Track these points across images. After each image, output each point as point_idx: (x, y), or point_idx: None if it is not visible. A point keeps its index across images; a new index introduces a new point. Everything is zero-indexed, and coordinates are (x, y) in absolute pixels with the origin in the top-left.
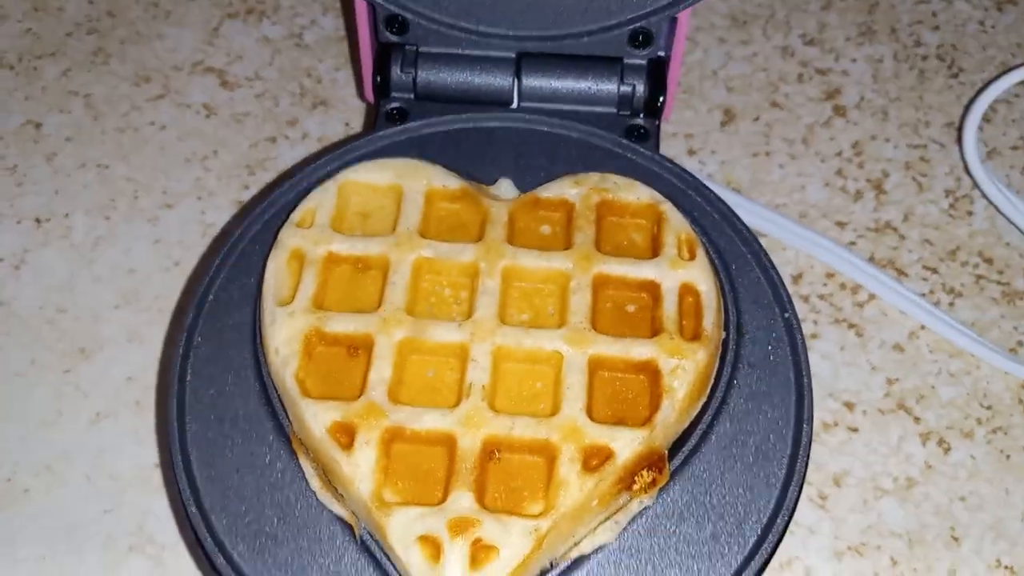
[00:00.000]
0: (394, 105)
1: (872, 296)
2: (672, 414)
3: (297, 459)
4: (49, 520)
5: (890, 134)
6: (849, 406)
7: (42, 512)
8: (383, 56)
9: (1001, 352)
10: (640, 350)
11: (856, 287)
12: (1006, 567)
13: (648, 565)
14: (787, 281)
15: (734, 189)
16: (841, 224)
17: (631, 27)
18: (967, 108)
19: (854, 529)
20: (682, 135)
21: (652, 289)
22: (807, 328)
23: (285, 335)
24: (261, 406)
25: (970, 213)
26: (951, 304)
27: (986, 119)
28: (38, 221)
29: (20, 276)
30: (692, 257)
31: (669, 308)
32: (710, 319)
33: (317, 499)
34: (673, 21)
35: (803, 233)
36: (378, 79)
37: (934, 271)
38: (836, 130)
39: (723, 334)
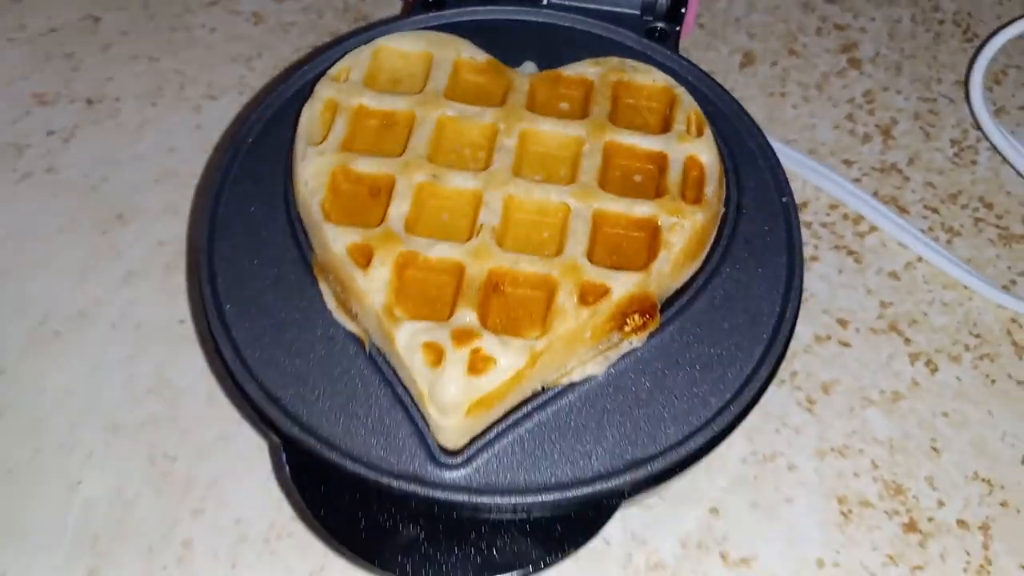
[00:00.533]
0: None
1: (873, 228)
2: (667, 266)
3: (317, 284)
4: (76, 360)
5: (902, 87)
6: (843, 323)
7: (70, 353)
8: None
9: (994, 286)
10: (642, 208)
11: (858, 218)
12: (983, 479)
13: (632, 398)
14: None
15: None
16: (848, 162)
17: None
18: (974, 56)
19: (839, 433)
20: None
21: (659, 160)
22: (808, 251)
23: (314, 169)
24: (288, 238)
25: (974, 162)
26: (949, 242)
27: (996, 81)
28: (89, 102)
29: (69, 148)
30: (700, 134)
31: (673, 176)
32: (711, 188)
33: (332, 317)
34: None
35: (811, 164)
36: None
37: (935, 211)
38: (850, 79)
39: (723, 207)
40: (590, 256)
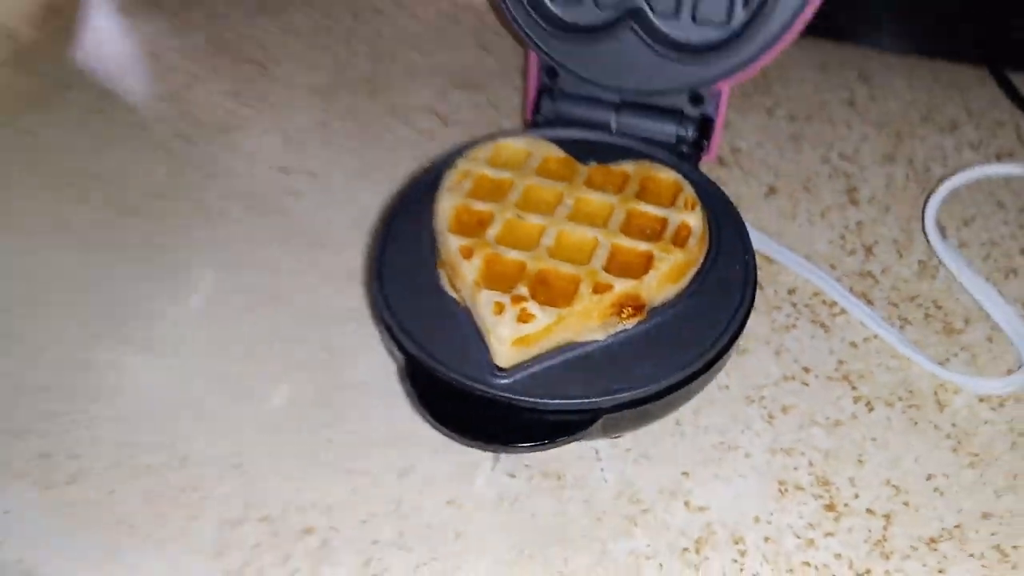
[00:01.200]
0: (539, 119)
1: (843, 311)
2: (653, 280)
3: (439, 272)
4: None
5: (887, 221)
6: (806, 370)
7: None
8: (540, 92)
9: (931, 361)
10: (644, 245)
11: (833, 303)
12: (893, 485)
13: (620, 355)
14: (783, 292)
15: (760, 230)
16: (833, 266)
17: (689, 91)
18: (926, 200)
19: (788, 440)
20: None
21: (662, 222)
22: (789, 321)
23: (447, 204)
24: (426, 245)
25: (933, 277)
26: (902, 327)
27: (964, 221)
28: (313, 175)
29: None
30: (692, 209)
31: (669, 231)
32: (693, 241)
33: (445, 289)
34: (715, 93)
35: (804, 264)
36: (534, 106)
37: (895, 305)
38: (847, 212)
39: (703, 256)
40: (605, 268)
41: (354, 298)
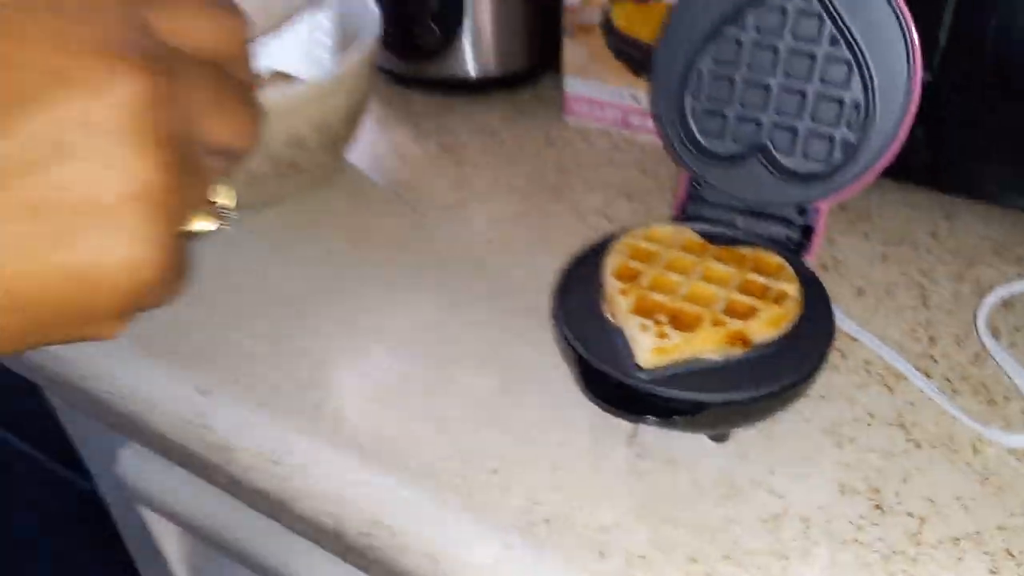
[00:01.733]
0: (684, 216)
1: (906, 379)
2: (756, 323)
3: (603, 308)
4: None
5: (951, 323)
6: (871, 415)
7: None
8: (687, 198)
9: (972, 419)
10: (752, 300)
11: (899, 373)
12: (929, 499)
13: (733, 370)
14: (860, 362)
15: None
16: (902, 348)
17: (796, 203)
18: (977, 306)
19: (851, 458)
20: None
21: (767, 288)
22: (862, 382)
23: (612, 261)
24: (595, 287)
25: (983, 366)
26: (952, 397)
27: (1011, 325)
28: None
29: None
30: (790, 281)
31: (772, 293)
32: (789, 301)
33: (607, 318)
34: (816, 209)
35: (878, 343)
36: (682, 206)
37: (949, 381)
38: (919, 313)
39: (795, 313)
40: (723, 311)
41: (534, 329)
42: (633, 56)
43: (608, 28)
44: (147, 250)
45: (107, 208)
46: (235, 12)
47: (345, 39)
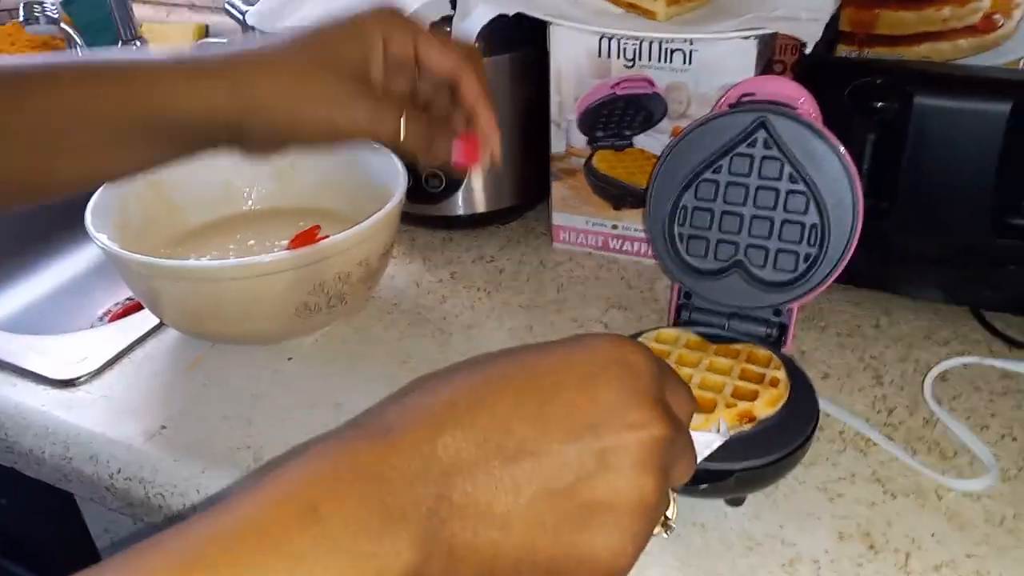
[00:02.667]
0: (679, 322)
1: (875, 444)
2: (760, 403)
3: None
4: None
5: (903, 396)
6: (852, 474)
7: None
8: (679, 306)
9: (932, 471)
10: (752, 385)
11: (868, 439)
12: (910, 538)
13: (746, 442)
14: (836, 432)
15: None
16: (868, 419)
17: (771, 306)
18: (923, 381)
19: (843, 511)
20: None
21: (762, 375)
22: (839, 448)
23: None
24: None
25: (934, 428)
26: (913, 454)
27: (950, 394)
28: None
29: None
30: (779, 368)
31: (767, 379)
32: (781, 385)
33: None
34: (789, 310)
35: (848, 416)
36: (676, 313)
37: (908, 443)
38: (876, 390)
39: (787, 394)
40: (732, 395)
41: None
42: (613, 193)
43: (590, 171)
44: (631, 547)
45: (618, 511)
46: None
47: (375, 190)
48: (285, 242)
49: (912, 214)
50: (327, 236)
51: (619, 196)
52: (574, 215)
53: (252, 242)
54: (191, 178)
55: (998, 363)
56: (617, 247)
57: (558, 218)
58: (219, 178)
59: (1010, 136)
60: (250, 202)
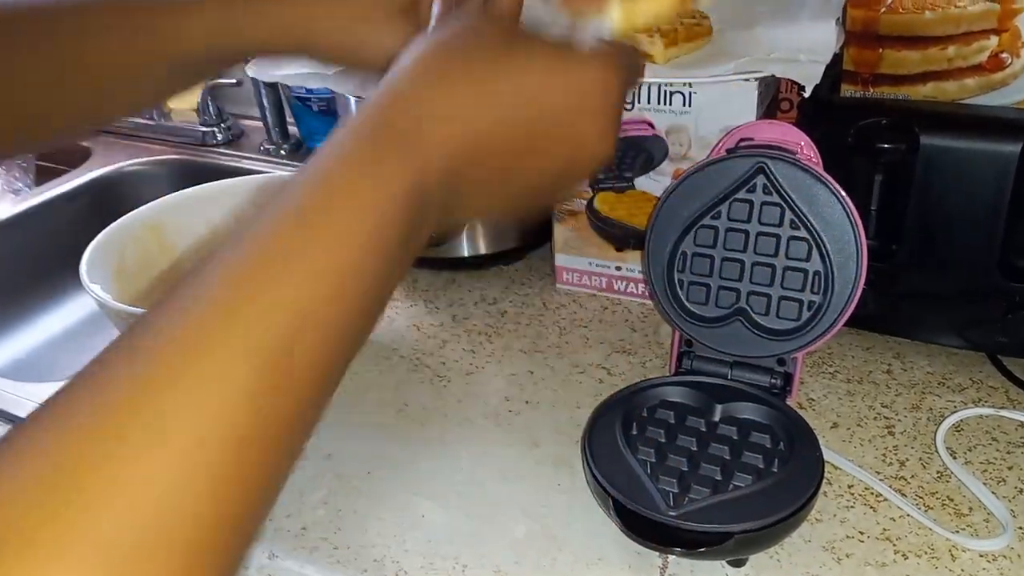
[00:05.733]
0: (681, 370)
1: (885, 499)
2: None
3: (626, 452)
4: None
5: (915, 447)
6: (861, 532)
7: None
8: (681, 354)
9: (945, 530)
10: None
11: (879, 494)
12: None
13: (747, 502)
14: (845, 487)
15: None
16: (878, 472)
17: (775, 355)
18: (936, 432)
19: (851, 574)
20: None
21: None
22: (848, 504)
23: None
24: (617, 436)
25: (948, 482)
26: (926, 511)
27: (965, 446)
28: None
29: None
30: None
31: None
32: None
33: (630, 458)
34: (793, 359)
35: (858, 470)
36: (678, 362)
37: (921, 498)
38: (887, 440)
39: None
40: None
41: (563, 476)
42: (614, 234)
43: (592, 213)
44: (612, 129)
45: (593, 108)
46: None
47: None
48: None
49: (921, 256)
50: None
51: (621, 238)
52: (577, 257)
53: None
54: (189, 222)
55: (1015, 415)
56: (621, 288)
57: (561, 259)
58: (218, 220)
59: (1020, 178)
60: None
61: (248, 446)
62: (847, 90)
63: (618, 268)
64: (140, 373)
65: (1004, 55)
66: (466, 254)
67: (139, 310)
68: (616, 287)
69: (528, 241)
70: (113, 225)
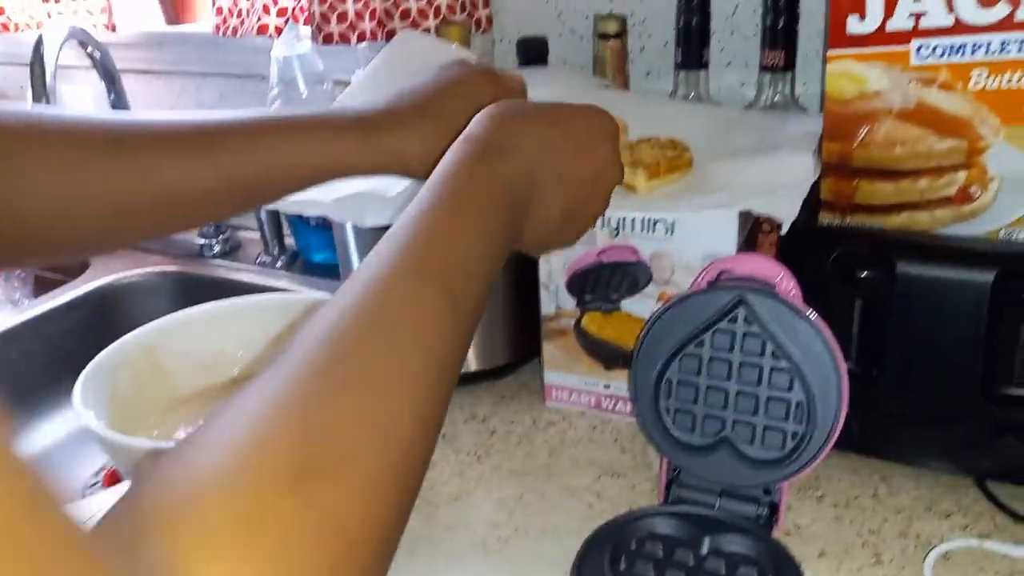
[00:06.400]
0: (670, 499)
1: None
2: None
3: None
4: None
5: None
6: None
7: None
8: (669, 482)
9: None
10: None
11: None
12: None
13: None
14: None
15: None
16: None
17: (762, 486)
18: (924, 561)
19: None
20: (796, 558)
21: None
22: None
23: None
24: (609, 567)
25: None
26: None
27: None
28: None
29: None
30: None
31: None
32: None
33: None
34: (779, 488)
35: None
36: (666, 490)
37: None
38: (875, 569)
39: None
40: None
41: None
42: (603, 354)
43: (580, 332)
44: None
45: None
46: None
47: None
48: None
49: (902, 381)
50: None
51: (610, 357)
52: (566, 374)
53: None
54: (185, 344)
55: (1000, 547)
56: (610, 407)
57: (550, 377)
58: (213, 344)
59: (995, 305)
60: (240, 371)
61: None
62: (825, 218)
63: (607, 386)
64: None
65: (973, 188)
66: (462, 370)
67: (124, 438)
68: (605, 405)
69: (519, 356)
70: (106, 350)
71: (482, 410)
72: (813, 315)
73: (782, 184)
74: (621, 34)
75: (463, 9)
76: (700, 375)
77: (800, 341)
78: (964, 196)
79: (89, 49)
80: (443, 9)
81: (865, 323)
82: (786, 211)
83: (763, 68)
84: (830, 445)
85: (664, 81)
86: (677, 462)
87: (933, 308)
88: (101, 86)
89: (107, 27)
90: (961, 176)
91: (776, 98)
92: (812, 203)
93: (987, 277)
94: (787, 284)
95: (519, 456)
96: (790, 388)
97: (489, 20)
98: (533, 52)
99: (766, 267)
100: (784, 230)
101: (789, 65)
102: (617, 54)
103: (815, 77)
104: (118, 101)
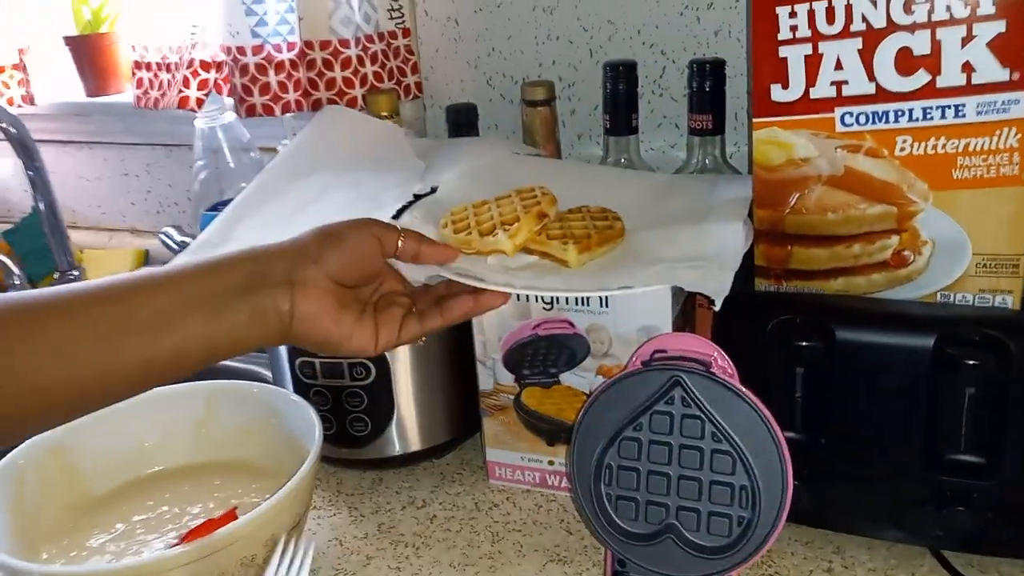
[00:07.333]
0: None
1: None
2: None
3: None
4: None
5: None
6: None
7: None
8: (615, 574)
9: None
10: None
11: None
12: None
13: None
14: None
15: None
16: None
17: (711, 574)
18: None
19: None
20: None
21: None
22: None
23: None
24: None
25: None
26: None
27: None
28: None
29: None
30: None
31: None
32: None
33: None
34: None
35: None
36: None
37: None
38: None
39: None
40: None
41: None
42: (544, 429)
43: (520, 407)
44: None
45: None
46: None
47: (292, 440)
48: (199, 508)
49: (848, 448)
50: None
51: (551, 432)
52: (508, 451)
53: (164, 508)
54: (97, 442)
55: None
56: (555, 483)
57: (492, 454)
58: (128, 439)
59: (936, 370)
60: (160, 464)
61: None
62: (761, 284)
63: (551, 463)
64: None
65: (906, 252)
66: (397, 452)
67: (22, 564)
68: (550, 482)
69: (460, 432)
70: (9, 455)
71: (421, 494)
72: (750, 394)
73: (714, 256)
74: (550, 101)
75: (390, 77)
76: (640, 459)
77: (738, 422)
78: (899, 260)
79: (3, 124)
80: (370, 78)
81: (808, 390)
82: (719, 287)
83: (692, 132)
84: (778, 531)
85: (596, 145)
86: (622, 553)
87: (874, 374)
88: (19, 161)
89: (24, 99)
90: (894, 240)
91: (707, 160)
92: (747, 269)
93: (927, 342)
94: (722, 362)
95: (460, 545)
96: (733, 471)
97: (419, 87)
98: (463, 119)
99: (699, 345)
100: (717, 306)
101: (718, 129)
102: (546, 121)
103: (746, 137)
104: (37, 176)
